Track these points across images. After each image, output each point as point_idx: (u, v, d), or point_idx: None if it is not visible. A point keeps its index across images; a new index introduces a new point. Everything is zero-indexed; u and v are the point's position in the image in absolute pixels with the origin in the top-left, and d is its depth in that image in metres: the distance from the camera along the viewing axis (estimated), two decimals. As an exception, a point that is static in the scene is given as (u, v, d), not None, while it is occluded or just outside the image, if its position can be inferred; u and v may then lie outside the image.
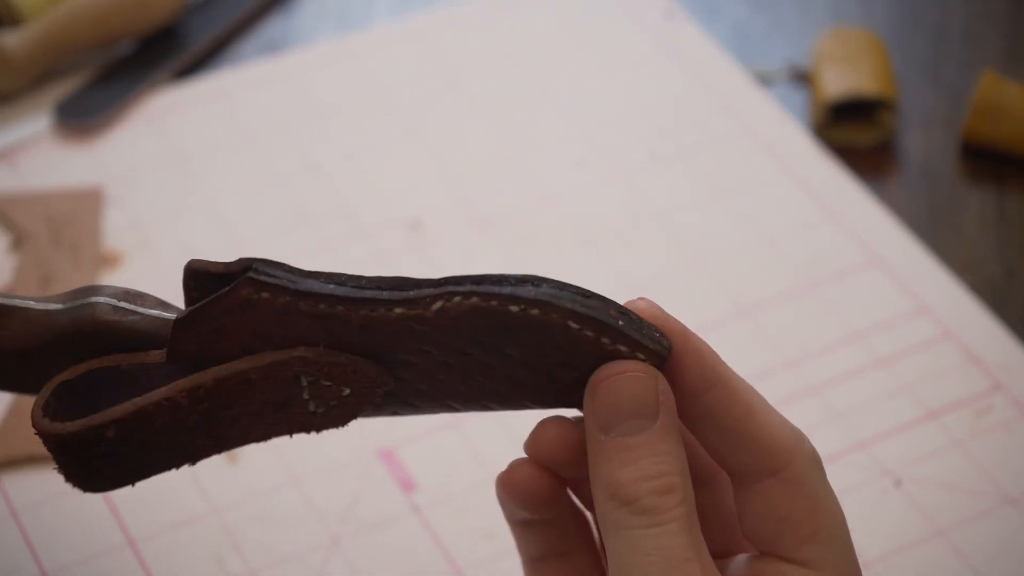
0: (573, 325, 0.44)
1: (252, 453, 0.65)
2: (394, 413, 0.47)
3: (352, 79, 0.82)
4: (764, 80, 0.82)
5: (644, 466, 0.44)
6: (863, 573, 0.60)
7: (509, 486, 0.48)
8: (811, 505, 0.46)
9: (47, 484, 0.64)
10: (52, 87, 0.81)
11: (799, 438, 0.46)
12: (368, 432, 0.65)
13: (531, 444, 0.47)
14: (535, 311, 0.44)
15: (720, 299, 0.71)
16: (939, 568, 0.61)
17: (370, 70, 0.82)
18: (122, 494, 0.63)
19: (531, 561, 0.50)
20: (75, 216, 0.74)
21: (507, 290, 0.44)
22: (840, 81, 0.78)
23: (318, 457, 0.65)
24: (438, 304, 0.44)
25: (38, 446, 0.64)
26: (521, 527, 0.50)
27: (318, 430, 0.46)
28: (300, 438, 0.65)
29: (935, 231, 0.75)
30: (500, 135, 0.79)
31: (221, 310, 0.45)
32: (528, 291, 0.44)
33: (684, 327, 0.46)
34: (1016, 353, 0.68)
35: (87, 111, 0.79)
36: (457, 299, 0.44)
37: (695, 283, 0.72)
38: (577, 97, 0.81)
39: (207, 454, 0.47)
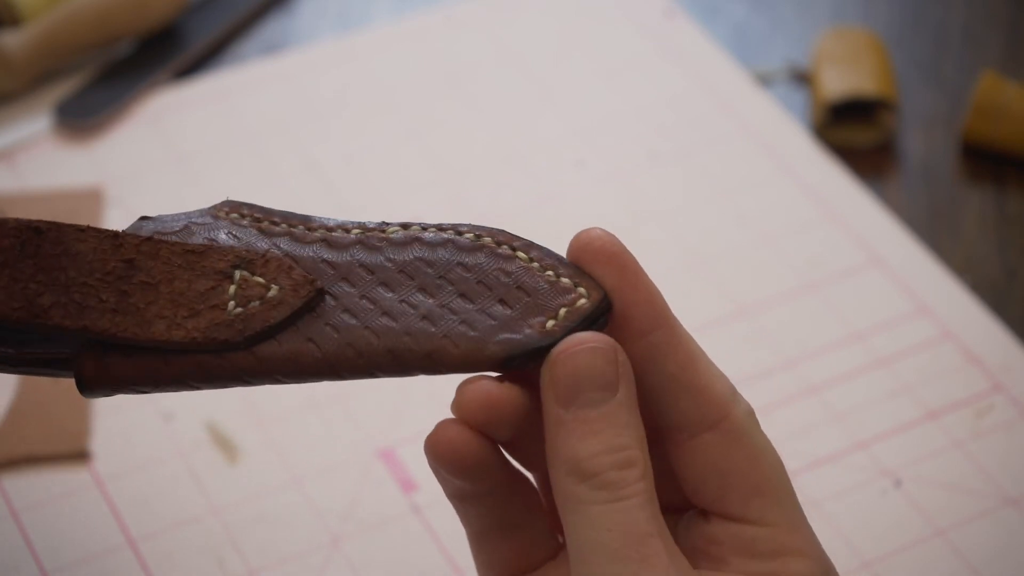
0: (522, 255, 0.46)
1: (252, 453, 0.65)
2: (304, 347, 0.45)
3: (352, 79, 0.82)
4: (764, 80, 0.82)
5: (605, 439, 0.43)
6: (863, 573, 0.61)
7: (437, 448, 0.45)
8: (752, 457, 0.45)
9: (47, 484, 0.64)
10: (52, 87, 0.81)
11: (734, 392, 0.46)
12: (368, 432, 0.65)
13: (456, 404, 0.45)
14: (488, 238, 0.46)
15: (720, 299, 0.71)
16: (939, 568, 0.61)
17: (370, 70, 0.82)
18: (122, 494, 0.63)
19: (476, 536, 0.48)
20: (75, 216, 0.74)
21: (466, 222, 0.47)
22: (840, 81, 0.78)
23: (318, 457, 0.65)
24: (395, 228, 0.47)
25: (38, 446, 0.64)
26: (460, 502, 0.47)
27: (223, 341, 0.45)
28: (301, 437, 0.65)
29: (935, 231, 0.75)
30: (500, 135, 0.79)
31: (189, 219, 0.47)
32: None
33: (637, 263, 0.45)
34: (1016, 353, 0.68)
35: (87, 111, 0.79)
36: (415, 228, 0.47)
37: (695, 283, 0.72)
38: (577, 97, 0.81)
39: (102, 326, 0.45)
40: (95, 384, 0.46)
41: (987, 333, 0.69)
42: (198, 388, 0.46)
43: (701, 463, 0.46)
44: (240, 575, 0.61)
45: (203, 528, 0.62)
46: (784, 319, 0.70)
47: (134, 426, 0.66)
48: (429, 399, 0.67)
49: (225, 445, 0.65)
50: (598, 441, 0.43)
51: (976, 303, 0.70)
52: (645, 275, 0.46)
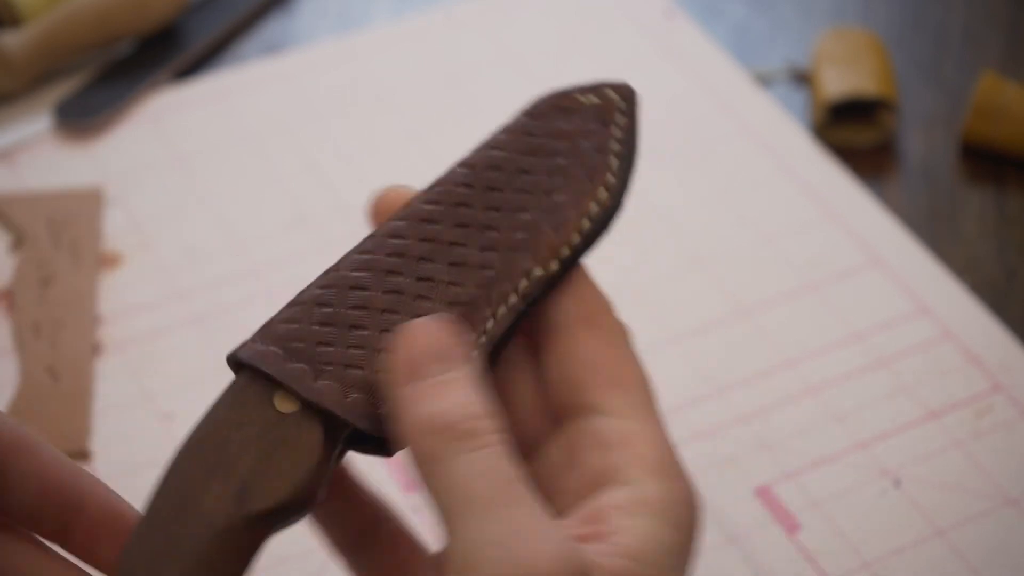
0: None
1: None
2: None
3: (352, 79, 0.82)
4: (764, 80, 0.82)
5: (453, 398, 0.44)
6: (863, 573, 0.61)
7: None
8: (618, 355, 0.48)
9: (47, 484, 0.64)
10: (52, 87, 0.81)
11: (612, 305, 0.49)
12: (368, 432, 0.65)
13: None
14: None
15: (720, 299, 0.71)
16: (939, 568, 0.61)
17: (370, 70, 0.82)
18: (122, 494, 0.63)
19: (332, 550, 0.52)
20: (75, 216, 0.74)
21: None
22: (840, 81, 0.78)
23: (318, 457, 0.65)
24: None
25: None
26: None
27: None
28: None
29: (935, 231, 0.75)
30: (500, 135, 0.79)
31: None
32: None
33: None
34: (1016, 353, 0.68)
35: (87, 111, 0.79)
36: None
37: (695, 283, 0.72)
38: (577, 97, 0.81)
39: None
40: None
41: (987, 333, 0.69)
42: None
43: (574, 356, 0.48)
44: (240, 575, 0.61)
45: (203, 528, 0.62)
46: (784, 319, 0.70)
47: (134, 426, 0.66)
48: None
49: (225, 445, 0.65)
50: (446, 400, 0.44)
51: (976, 303, 0.70)
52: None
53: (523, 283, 0.49)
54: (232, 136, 0.79)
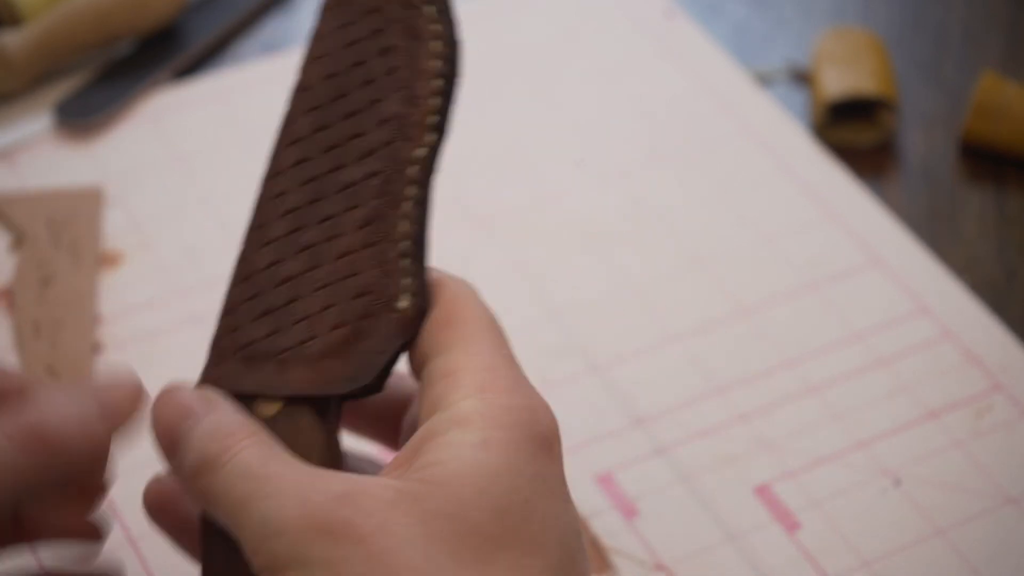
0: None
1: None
2: None
3: (352, 79, 0.82)
4: (764, 80, 0.82)
5: (204, 432, 0.46)
6: (863, 573, 0.61)
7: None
8: (458, 308, 0.48)
9: (47, 484, 0.64)
10: (52, 87, 0.81)
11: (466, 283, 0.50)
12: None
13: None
14: None
15: (720, 299, 0.71)
16: (939, 568, 0.61)
17: (370, 70, 0.82)
18: (121, 493, 0.63)
19: None
20: (75, 216, 0.74)
21: None
22: (840, 81, 0.78)
23: (318, 457, 0.65)
24: None
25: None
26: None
27: None
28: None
29: (935, 231, 0.75)
30: (499, 134, 0.79)
31: None
32: None
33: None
34: (1016, 353, 0.68)
35: (87, 111, 0.79)
36: None
37: (695, 283, 0.72)
38: (577, 97, 0.81)
39: None
40: None
41: (987, 333, 0.69)
42: None
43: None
44: (240, 575, 0.61)
45: (203, 528, 0.62)
46: (784, 319, 0.70)
47: (134, 426, 0.66)
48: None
49: (225, 445, 0.65)
50: (196, 440, 0.47)
51: (976, 303, 0.70)
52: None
53: (413, 170, 0.48)
54: (232, 136, 0.79)
